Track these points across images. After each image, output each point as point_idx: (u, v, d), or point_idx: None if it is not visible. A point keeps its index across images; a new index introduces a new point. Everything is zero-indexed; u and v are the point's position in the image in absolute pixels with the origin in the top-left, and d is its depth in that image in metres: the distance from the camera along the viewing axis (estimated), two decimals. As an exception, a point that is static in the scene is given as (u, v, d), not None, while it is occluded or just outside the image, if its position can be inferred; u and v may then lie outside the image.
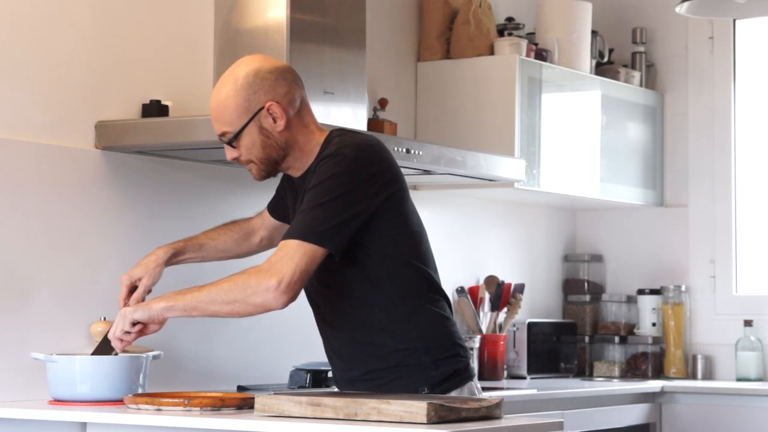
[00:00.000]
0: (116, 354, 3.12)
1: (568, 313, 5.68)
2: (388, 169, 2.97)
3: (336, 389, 3.19)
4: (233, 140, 3.01)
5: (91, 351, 3.19)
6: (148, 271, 3.21)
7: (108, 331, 3.09)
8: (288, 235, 2.88)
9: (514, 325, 5.20)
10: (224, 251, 3.38)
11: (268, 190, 3.49)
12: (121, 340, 3.03)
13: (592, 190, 5.21)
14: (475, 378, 3.10)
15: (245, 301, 2.86)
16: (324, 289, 3.05)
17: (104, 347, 3.14)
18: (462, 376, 3.04)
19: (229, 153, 3.05)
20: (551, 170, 4.95)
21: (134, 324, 3.00)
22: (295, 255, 2.84)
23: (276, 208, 3.32)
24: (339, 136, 3.01)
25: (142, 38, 3.81)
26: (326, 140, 3.02)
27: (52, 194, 3.55)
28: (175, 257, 3.29)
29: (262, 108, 2.98)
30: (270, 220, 3.35)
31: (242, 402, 2.96)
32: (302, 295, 3.10)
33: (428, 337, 3.00)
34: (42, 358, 3.19)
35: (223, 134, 3.03)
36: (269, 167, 3.04)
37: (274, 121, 2.99)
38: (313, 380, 3.90)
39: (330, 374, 3.85)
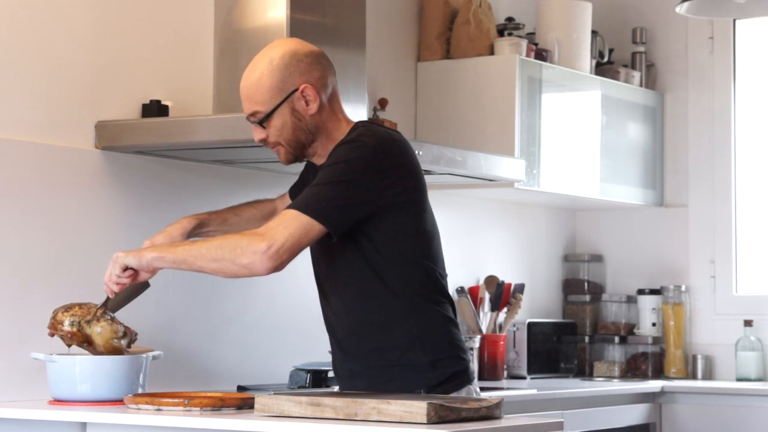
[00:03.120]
0: (108, 298, 3.13)
1: (568, 313, 5.68)
2: (406, 165, 2.96)
3: (336, 389, 3.19)
4: (264, 120, 3.00)
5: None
6: (170, 239, 3.22)
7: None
8: (290, 206, 2.89)
9: (514, 325, 5.20)
10: (246, 228, 3.38)
11: (269, 190, 3.49)
12: (117, 284, 3.04)
13: (592, 190, 5.20)
14: (475, 382, 3.08)
15: (232, 260, 2.86)
16: (332, 275, 3.04)
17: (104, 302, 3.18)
18: (460, 379, 3.01)
19: (257, 134, 3.04)
20: (551, 170, 4.95)
21: (125, 269, 3.01)
22: (290, 225, 2.85)
23: (297, 192, 3.31)
24: (364, 126, 3.02)
25: (142, 38, 3.81)
26: (351, 130, 3.02)
27: (52, 194, 3.55)
28: (199, 228, 3.30)
29: (296, 90, 2.98)
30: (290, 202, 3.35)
31: (242, 402, 2.95)
32: (305, 294, 3.10)
33: (428, 336, 2.99)
34: (42, 358, 3.19)
35: (253, 114, 3.01)
36: (297, 151, 3.04)
37: (307, 104, 2.99)
38: (313, 380, 3.90)
39: (330, 374, 3.86)
